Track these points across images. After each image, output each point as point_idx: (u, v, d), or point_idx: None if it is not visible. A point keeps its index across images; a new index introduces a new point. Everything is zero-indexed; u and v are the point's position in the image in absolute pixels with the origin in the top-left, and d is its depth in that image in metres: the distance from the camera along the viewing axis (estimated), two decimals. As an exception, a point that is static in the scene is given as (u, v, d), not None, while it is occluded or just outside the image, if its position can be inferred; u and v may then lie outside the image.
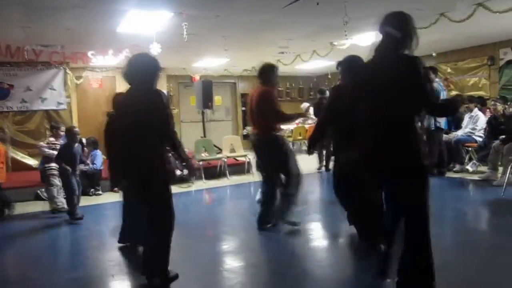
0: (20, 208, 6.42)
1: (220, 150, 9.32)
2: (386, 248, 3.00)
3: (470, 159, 7.79)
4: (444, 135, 7.84)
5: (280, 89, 14.22)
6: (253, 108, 4.77)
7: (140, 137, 3.18)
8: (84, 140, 8.25)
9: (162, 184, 3.25)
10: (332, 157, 4.51)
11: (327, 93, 8.24)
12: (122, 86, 11.72)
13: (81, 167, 6.75)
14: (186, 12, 5.88)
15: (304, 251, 4.21)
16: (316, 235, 4.81)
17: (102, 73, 11.10)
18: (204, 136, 9.88)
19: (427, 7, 6.12)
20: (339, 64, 4.18)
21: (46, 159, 6.28)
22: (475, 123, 7.86)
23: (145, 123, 3.16)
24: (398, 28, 2.78)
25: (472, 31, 7.92)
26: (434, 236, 2.83)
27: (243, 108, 14.97)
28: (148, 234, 3.32)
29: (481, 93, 9.97)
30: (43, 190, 6.68)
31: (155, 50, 6.99)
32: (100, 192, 7.44)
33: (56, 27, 6.64)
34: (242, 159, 9.15)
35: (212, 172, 8.85)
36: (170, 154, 3.55)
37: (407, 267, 2.81)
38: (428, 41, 8.57)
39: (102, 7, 5.63)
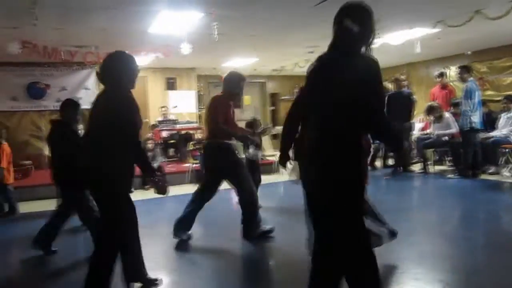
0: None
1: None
2: None
3: (507, 162, 7.56)
4: (481, 135, 7.66)
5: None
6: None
7: (97, 146, 2.97)
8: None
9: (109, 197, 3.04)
10: None
11: None
12: (153, 86, 11.97)
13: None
14: (215, 12, 5.92)
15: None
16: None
17: (134, 73, 11.29)
18: (233, 135, 9.91)
19: (461, 4, 5.97)
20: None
21: None
22: (512, 124, 7.64)
23: (104, 130, 2.94)
24: (359, 22, 2.36)
25: (508, 28, 7.67)
26: (466, 239, 2.76)
27: (272, 108, 14.98)
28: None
29: (518, 92, 9.66)
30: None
31: (185, 50, 7.09)
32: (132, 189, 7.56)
33: (90, 28, 6.81)
34: (271, 158, 9.15)
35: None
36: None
37: None
38: (462, 39, 8.36)
39: (133, 8, 5.74)
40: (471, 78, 7.61)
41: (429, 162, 8.56)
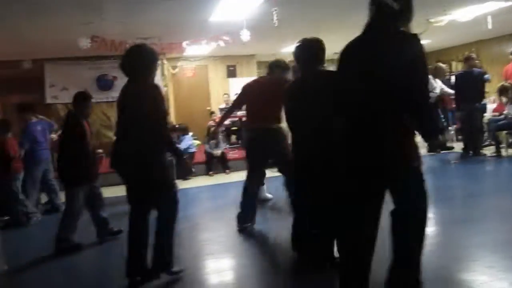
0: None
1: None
2: None
3: None
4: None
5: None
6: (258, 98, 4.43)
7: (133, 134, 3.10)
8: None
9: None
10: None
11: None
12: (214, 75, 12.15)
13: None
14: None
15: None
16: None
17: (195, 62, 11.54)
18: (294, 121, 9.90)
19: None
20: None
21: None
22: None
23: (139, 119, 3.08)
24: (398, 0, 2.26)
25: None
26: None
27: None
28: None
29: None
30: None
31: (245, 37, 7.12)
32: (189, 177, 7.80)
33: (153, 20, 7.02)
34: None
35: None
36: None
37: (394, 280, 2.47)
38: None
39: (196, -3, 5.85)
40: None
41: (502, 145, 8.06)
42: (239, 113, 10.55)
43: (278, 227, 4.57)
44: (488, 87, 8.45)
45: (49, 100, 10.21)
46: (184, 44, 8.38)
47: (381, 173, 2.29)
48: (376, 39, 2.32)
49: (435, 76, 8.71)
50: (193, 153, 8.37)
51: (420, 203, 2.43)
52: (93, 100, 10.53)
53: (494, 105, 9.15)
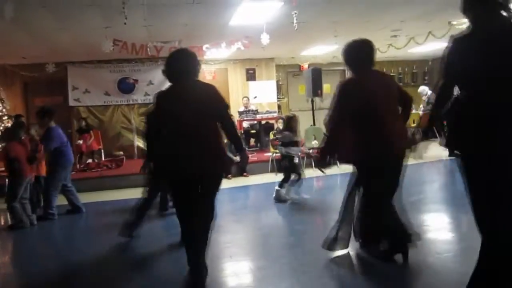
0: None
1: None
2: None
3: None
4: None
5: (391, 74, 13.60)
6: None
7: (204, 128, 3.16)
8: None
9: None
10: None
11: None
12: (233, 78, 12.18)
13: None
14: (296, 0, 5.89)
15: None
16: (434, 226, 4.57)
17: (215, 65, 11.61)
18: (314, 125, 9.87)
19: None
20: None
21: None
22: None
23: (208, 114, 3.17)
24: None
25: None
26: None
27: (353, 96, 14.63)
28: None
29: None
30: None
31: (264, 40, 7.14)
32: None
33: (174, 24, 7.10)
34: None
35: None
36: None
37: None
38: None
39: (217, 1, 5.88)
40: None
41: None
42: (259, 116, 10.61)
43: (299, 229, 4.56)
44: None
45: (71, 103, 10.41)
46: (204, 47, 8.44)
47: None
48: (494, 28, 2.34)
49: None
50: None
51: None
52: (114, 103, 10.89)
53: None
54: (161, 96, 3.30)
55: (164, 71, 3.36)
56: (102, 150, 10.08)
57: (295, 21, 6.42)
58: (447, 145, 2.57)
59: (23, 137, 5.57)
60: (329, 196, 6.70)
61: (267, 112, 10.98)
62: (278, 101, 12.08)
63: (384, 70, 14.18)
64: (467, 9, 2.45)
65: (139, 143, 10.65)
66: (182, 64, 3.26)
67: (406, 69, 14.45)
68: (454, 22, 7.69)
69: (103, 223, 5.64)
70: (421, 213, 4.85)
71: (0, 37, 7.24)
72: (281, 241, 4.41)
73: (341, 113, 3.40)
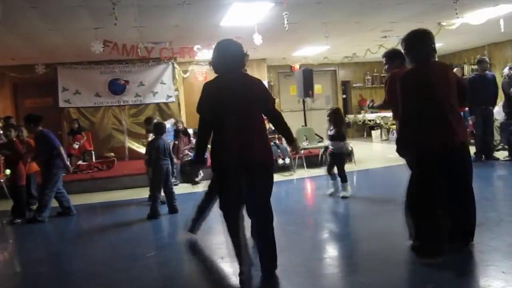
0: (136, 193, 7.03)
1: (321, 139, 9.27)
2: None
3: None
4: None
5: (382, 75, 13.66)
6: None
7: (251, 120, 3.19)
8: (191, 131, 8.81)
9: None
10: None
11: None
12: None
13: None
14: (286, 1, 5.90)
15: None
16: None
17: (206, 66, 11.58)
18: (305, 125, 9.89)
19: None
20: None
21: None
22: None
23: (256, 106, 3.20)
24: None
25: None
26: None
27: (344, 96, 14.70)
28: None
29: None
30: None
31: (257, 41, 7.14)
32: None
33: (165, 25, 7.08)
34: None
35: (314, 160, 8.85)
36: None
37: None
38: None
39: (207, 2, 5.88)
40: None
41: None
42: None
43: (291, 230, 4.56)
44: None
45: (61, 104, 10.31)
46: (195, 48, 8.43)
47: None
48: None
49: None
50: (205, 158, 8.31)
51: None
52: (104, 104, 10.82)
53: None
54: (210, 86, 3.26)
55: (212, 60, 3.36)
56: (93, 152, 10.02)
57: (286, 22, 6.44)
58: None
59: (14, 139, 5.54)
60: (320, 197, 6.72)
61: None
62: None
63: (375, 71, 14.34)
64: None
65: (130, 144, 10.61)
66: (231, 55, 3.25)
67: (396, 70, 14.49)
68: (444, 23, 7.76)
69: (94, 225, 5.61)
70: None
71: (-11, 38, 7.18)
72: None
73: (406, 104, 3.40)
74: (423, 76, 3.35)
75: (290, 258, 3.64)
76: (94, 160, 9.77)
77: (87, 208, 6.54)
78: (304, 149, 8.68)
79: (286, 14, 6.24)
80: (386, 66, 4.65)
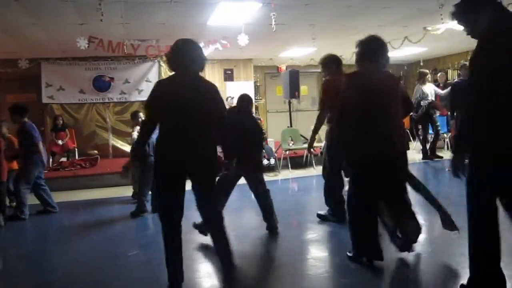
0: (119, 191, 6.96)
1: (306, 140, 9.30)
2: None
3: None
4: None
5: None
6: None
7: (201, 123, 3.11)
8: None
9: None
10: None
11: None
12: (211, 78, 12.13)
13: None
14: (274, 2, 5.90)
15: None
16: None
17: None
18: (291, 126, 9.92)
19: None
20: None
21: None
22: None
23: (208, 110, 3.12)
24: None
25: None
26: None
27: (330, 98, 14.75)
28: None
29: None
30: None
31: (243, 41, 7.12)
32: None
33: (152, 22, 7.02)
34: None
35: (299, 161, 8.88)
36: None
37: None
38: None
39: (195, 0, 5.85)
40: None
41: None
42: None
43: (285, 232, 4.56)
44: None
45: (44, 100, 10.17)
46: (181, 46, 8.37)
47: None
48: None
49: (423, 82, 8.81)
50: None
51: None
52: (89, 101, 10.69)
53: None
54: (165, 84, 3.21)
55: (169, 58, 3.25)
56: (76, 149, 9.90)
57: (273, 23, 6.44)
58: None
59: None
60: (304, 197, 6.75)
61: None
62: (255, 102, 12.07)
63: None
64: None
65: (114, 142, 10.51)
66: (189, 54, 3.15)
67: (382, 73, 14.61)
68: (429, 28, 7.84)
69: (76, 223, 5.54)
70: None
71: (-29, 31, 7.04)
72: (257, 242, 4.40)
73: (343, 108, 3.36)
74: (368, 80, 3.31)
75: (274, 259, 3.64)
76: (77, 157, 9.66)
77: (69, 206, 6.46)
78: (289, 150, 8.72)
79: (274, 14, 6.24)
80: (324, 73, 4.70)
